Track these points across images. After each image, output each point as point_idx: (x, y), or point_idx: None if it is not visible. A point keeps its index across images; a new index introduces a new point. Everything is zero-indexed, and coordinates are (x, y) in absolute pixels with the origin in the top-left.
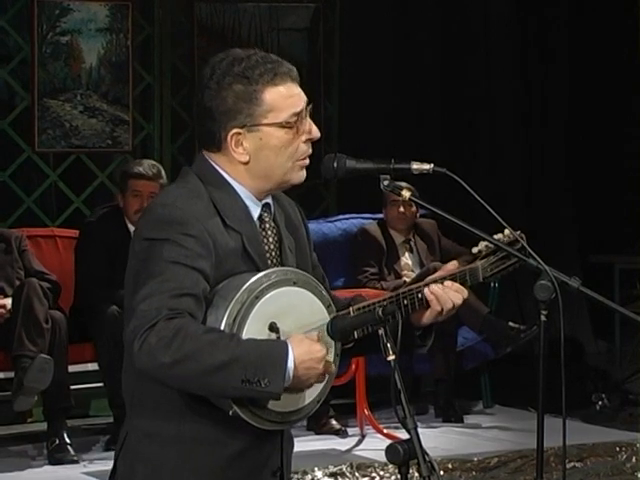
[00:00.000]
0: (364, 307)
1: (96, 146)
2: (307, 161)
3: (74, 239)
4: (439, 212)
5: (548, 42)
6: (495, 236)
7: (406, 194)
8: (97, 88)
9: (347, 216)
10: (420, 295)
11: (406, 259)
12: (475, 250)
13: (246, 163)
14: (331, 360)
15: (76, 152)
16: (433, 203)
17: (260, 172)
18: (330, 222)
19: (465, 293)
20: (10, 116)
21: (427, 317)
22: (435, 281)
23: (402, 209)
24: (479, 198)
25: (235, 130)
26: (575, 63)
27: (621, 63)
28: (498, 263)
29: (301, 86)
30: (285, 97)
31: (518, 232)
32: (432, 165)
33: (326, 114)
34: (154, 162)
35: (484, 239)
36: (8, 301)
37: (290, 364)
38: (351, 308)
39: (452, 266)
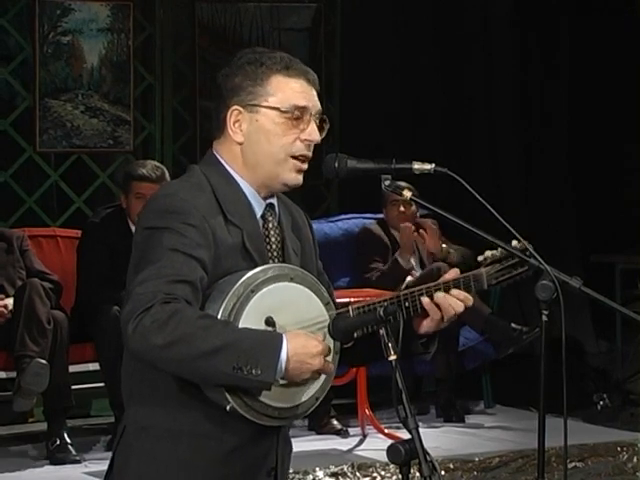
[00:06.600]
0: (363, 307)
1: (97, 146)
2: (304, 165)
3: (75, 239)
4: (440, 212)
5: (548, 42)
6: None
7: (407, 194)
8: (98, 88)
9: (349, 216)
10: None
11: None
12: (480, 258)
13: (240, 144)
14: (330, 360)
15: (77, 152)
16: (434, 203)
17: (251, 157)
18: (332, 222)
19: (470, 301)
20: (11, 116)
21: (427, 326)
22: (439, 288)
23: (402, 209)
24: (480, 198)
25: (235, 107)
26: (576, 63)
27: (622, 63)
28: (504, 272)
29: None
30: (292, 89)
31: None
32: (433, 165)
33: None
34: (158, 164)
35: (485, 239)
36: (10, 301)
37: (283, 355)
38: (350, 307)
39: (453, 274)
